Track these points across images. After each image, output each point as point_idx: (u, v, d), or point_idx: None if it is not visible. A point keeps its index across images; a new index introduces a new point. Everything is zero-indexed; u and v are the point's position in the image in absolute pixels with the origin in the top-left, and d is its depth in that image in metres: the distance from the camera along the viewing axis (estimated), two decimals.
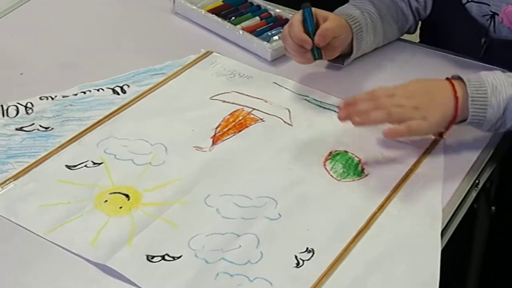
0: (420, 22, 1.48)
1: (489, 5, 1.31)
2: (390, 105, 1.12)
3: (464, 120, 1.15)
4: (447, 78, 1.16)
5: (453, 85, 1.14)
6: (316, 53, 1.24)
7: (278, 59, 1.36)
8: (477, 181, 1.16)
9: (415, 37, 1.51)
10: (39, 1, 1.51)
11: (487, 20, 1.32)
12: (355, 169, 1.14)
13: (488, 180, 1.20)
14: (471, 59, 1.36)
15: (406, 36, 1.44)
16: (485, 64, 1.34)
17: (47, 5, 1.50)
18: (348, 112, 1.13)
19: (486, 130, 1.16)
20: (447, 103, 1.13)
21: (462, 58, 1.37)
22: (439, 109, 1.13)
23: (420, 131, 1.13)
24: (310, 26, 1.23)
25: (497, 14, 1.31)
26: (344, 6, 1.33)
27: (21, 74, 1.33)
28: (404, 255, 1.03)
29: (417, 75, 1.27)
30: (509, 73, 1.16)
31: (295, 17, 1.24)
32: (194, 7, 1.45)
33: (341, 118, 1.14)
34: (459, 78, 1.15)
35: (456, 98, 1.13)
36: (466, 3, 1.34)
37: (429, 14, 1.43)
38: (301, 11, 1.24)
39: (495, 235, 1.40)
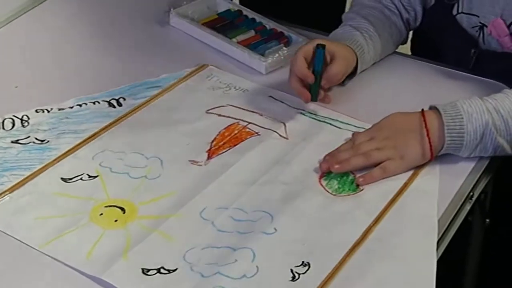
0: (411, 33, 1.49)
1: (478, 16, 1.32)
2: (369, 150, 1.16)
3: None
4: (422, 110, 1.18)
5: (424, 118, 1.17)
6: (314, 94, 1.24)
7: (273, 72, 1.36)
8: (471, 194, 1.16)
9: (406, 47, 1.52)
10: (34, 14, 1.51)
11: (476, 31, 1.34)
12: (350, 184, 1.15)
13: (482, 193, 1.21)
14: (461, 71, 1.37)
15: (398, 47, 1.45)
16: (474, 76, 1.35)
17: (42, 18, 1.50)
18: (330, 163, 1.16)
19: (466, 156, 1.18)
20: (422, 139, 1.16)
21: (453, 70, 1.37)
22: (415, 146, 1.17)
23: (397, 171, 1.16)
24: (318, 66, 1.23)
25: (486, 26, 1.32)
26: (342, 28, 1.33)
27: (16, 87, 1.33)
28: (400, 267, 1.03)
29: (408, 87, 1.30)
30: (487, 98, 1.18)
31: (301, 50, 1.24)
32: (189, 21, 1.46)
33: (323, 170, 1.16)
34: (435, 108, 1.18)
35: (426, 130, 1.16)
36: (457, 14, 1.35)
37: (420, 25, 1.44)
38: (310, 46, 1.23)
39: (489, 247, 1.40)
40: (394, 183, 1.15)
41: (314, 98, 1.24)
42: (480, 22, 1.33)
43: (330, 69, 1.24)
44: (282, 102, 1.30)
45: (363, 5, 1.37)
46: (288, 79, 1.27)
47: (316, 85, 1.23)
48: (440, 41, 1.41)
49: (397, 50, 1.44)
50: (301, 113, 1.28)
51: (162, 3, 1.51)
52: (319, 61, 1.22)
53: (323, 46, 1.23)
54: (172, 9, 1.49)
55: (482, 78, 1.34)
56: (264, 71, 1.36)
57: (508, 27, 1.30)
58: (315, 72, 1.23)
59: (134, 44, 1.44)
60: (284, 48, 1.39)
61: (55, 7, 1.54)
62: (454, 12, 1.36)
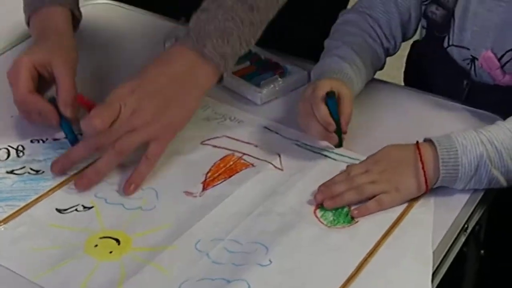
0: (404, 64, 1.50)
1: (469, 49, 1.33)
2: (364, 183, 1.17)
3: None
4: (417, 142, 1.19)
5: (419, 151, 1.17)
6: (341, 140, 1.25)
7: (268, 103, 1.37)
8: (466, 226, 1.17)
9: (400, 78, 1.52)
10: (30, 42, 1.51)
11: (468, 64, 1.35)
12: (345, 216, 1.15)
13: (477, 224, 1.21)
14: (454, 102, 1.37)
15: (390, 78, 1.46)
16: (467, 107, 1.35)
17: None
18: (324, 195, 1.17)
19: (461, 188, 1.19)
20: (417, 172, 1.17)
21: (446, 101, 1.38)
22: (411, 179, 1.17)
23: (392, 204, 1.17)
24: (335, 113, 1.23)
25: (477, 59, 1.33)
26: (330, 58, 1.33)
27: (12, 116, 1.33)
28: None
29: (402, 118, 1.30)
30: (481, 130, 1.19)
31: (318, 97, 1.23)
32: None
33: (318, 201, 1.17)
34: (429, 141, 1.18)
35: (422, 163, 1.16)
36: (448, 47, 1.36)
37: (412, 56, 1.45)
38: (321, 92, 1.23)
39: (484, 278, 1.40)
40: (389, 215, 1.15)
41: (342, 144, 1.25)
42: (471, 55, 1.34)
43: (344, 112, 1.24)
44: (277, 133, 1.30)
45: (346, 32, 1.37)
46: (306, 127, 1.26)
47: (339, 131, 1.23)
48: (433, 73, 1.43)
49: (389, 81, 1.44)
50: (296, 144, 1.28)
51: (158, 34, 1.52)
52: (334, 109, 1.23)
53: (333, 93, 1.23)
54: (167, 40, 1.49)
55: (476, 109, 1.35)
56: (259, 102, 1.36)
57: (499, 60, 1.31)
58: (334, 119, 1.23)
59: (129, 75, 1.44)
60: (279, 79, 1.39)
61: None
62: (445, 44, 1.37)
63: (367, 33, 1.38)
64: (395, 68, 1.52)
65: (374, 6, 1.40)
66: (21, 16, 1.44)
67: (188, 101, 1.22)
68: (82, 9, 1.44)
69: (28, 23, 1.40)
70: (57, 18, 1.36)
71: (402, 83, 1.53)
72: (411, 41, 1.48)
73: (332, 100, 1.23)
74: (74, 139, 1.25)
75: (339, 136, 1.24)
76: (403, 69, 1.55)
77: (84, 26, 1.48)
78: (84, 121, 1.18)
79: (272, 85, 1.38)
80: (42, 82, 1.29)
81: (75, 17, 1.41)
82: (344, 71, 1.30)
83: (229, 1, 1.22)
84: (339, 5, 1.44)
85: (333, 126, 1.22)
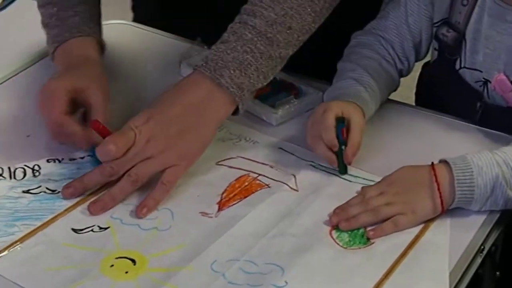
0: (415, 86, 1.50)
1: (481, 71, 1.33)
2: (379, 205, 1.17)
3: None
4: (432, 164, 1.19)
5: (434, 172, 1.17)
6: (344, 166, 1.25)
7: (283, 123, 1.37)
8: (482, 247, 1.16)
9: (411, 99, 1.52)
10: (47, 64, 1.52)
11: (480, 86, 1.34)
12: (361, 237, 1.15)
13: (493, 245, 1.21)
14: (468, 123, 1.37)
15: (402, 98, 1.46)
16: (481, 128, 1.35)
17: (55, 67, 1.51)
18: (340, 217, 1.17)
19: (477, 210, 1.18)
20: (433, 193, 1.17)
21: (459, 122, 1.38)
22: (426, 201, 1.17)
23: (408, 225, 1.17)
24: (341, 140, 1.23)
25: (490, 82, 1.32)
26: (345, 81, 1.33)
27: (28, 136, 1.34)
28: None
29: (415, 139, 1.31)
30: (496, 151, 1.18)
31: (327, 120, 1.24)
32: None
33: (333, 223, 1.17)
34: (445, 162, 1.18)
35: (437, 184, 1.16)
36: (460, 69, 1.36)
37: (424, 78, 1.45)
38: (331, 114, 1.24)
39: None
40: (404, 236, 1.15)
41: (346, 171, 1.25)
42: (484, 78, 1.34)
43: (352, 141, 1.24)
44: (293, 154, 1.30)
45: (361, 55, 1.38)
46: (313, 147, 1.27)
47: (341, 156, 1.24)
48: (445, 94, 1.42)
49: (402, 101, 1.44)
50: (312, 165, 1.28)
51: (174, 54, 1.53)
52: (341, 135, 1.23)
53: (343, 120, 1.24)
54: (183, 60, 1.50)
55: (490, 130, 1.35)
56: (274, 123, 1.36)
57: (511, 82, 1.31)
58: (339, 144, 1.23)
59: (146, 95, 1.44)
60: (294, 99, 1.39)
61: None
62: (457, 66, 1.37)
63: (381, 55, 1.38)
64: (408, 88, 1.52)
65: (387, 28, 1.40)
66: (33, 37, 1.46)
67: (203, 130, 1.23)
68: None
69: (53, 55, 1.41)
70: (87, 48, 1.39)
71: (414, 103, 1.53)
72: (422, 62, 1.48)
73: (340, 126, 1.23)
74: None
75: (342, 163, 1.24)
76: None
77: None
78: (99, 148, 1.19)
79: (287, 106, 1.38)
80: (73, 107, 1.30)
81: (101, 47, 1.43)
82: (359, 94, 1.30)
83: (249, 34, 1.23)
84: (353, 26, 1.44)
85: (336, 148, 1.23)
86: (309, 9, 1.25)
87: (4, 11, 1.72)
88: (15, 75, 1.51)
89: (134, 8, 1.77)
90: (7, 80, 1.49)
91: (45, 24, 1.43)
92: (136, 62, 1.54)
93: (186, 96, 1.22)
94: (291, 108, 1.38)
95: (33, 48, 1.57)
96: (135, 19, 1.72)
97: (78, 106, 1.31)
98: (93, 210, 1.18)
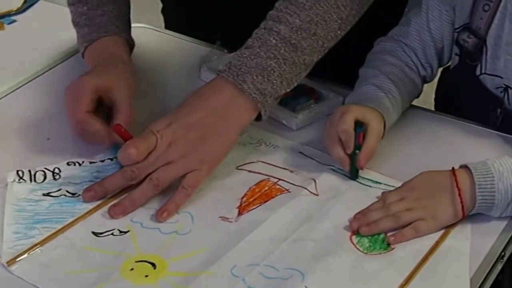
0: (434, 92, 1.50)
1: (502, 77, 1.32)
2: (400, 211, 1.16)
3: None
4: (452, 169, 1.18)
5: (455, 177, 1.17)
6: (355, 171, 1.25)
7: (303, 128, 1.37)
8: (503, 253, 1.16)
9: (430, 104, 1.52)
10: (67, 66, 1.53)
11: (501, 92, 1.34)
12: (382, 243, 1.15)
13: None
14: (488, 128, 1.37)
15: (421, 103, 1.45)
16: (502, 134, 1.35)
17: (75, 70, 1.51)
18: (360, 223, 1.16)
19: (498, 216, 1.18)
20: (454, 199, 1.16)
21: (479, 127, 1.38)
22: (447, 206, 1.17)
23: (429, 231, 1.16)
24: (356, 145, 1.23)
25: (510, 88, 1.32)
26: (367, 87, 1.33)
27: (48, 139, 1.34)
28: None
29: (435, 144, 1.31)
30: None
31: (346, 122, 1.24)
32: None
33: (353, 229, 1.16)
34: (465, 167, 1.18)
35: (458, 190, 1.16)
36: (480, 75, 1.35)
37: (444, 84, 1.44)
38: (350, 116, 1.24)
39: None
40: (425, 242, 1.15)
41: (357, 176, 1.25)
42: (504, 84, 1.33)
43: (367, 146, 1.24)
44: (313, 158, 1.30)
45: (383, 61, 1.37)
46: (330, 149, 1.26)
47: (354, 161, 1.23)
48: (465, 100, 1.42)
49: (423, 106, 1.44)
50: (332, 169, 1.28)
51: (193, 58, 1.53)
52: (357, 140, 1.23)
53: (362, 124, 1.23)
54: (202, 64, 1.50)
55: (510, 136, 1.34)
56: (295, 127, 1.36)
57: None
58: (354, 147, 1.23)
59: (166, 98, 1.45)
60: (314, 104, 1.39)
61: None
62: (477, 72, 1.36)
63: (404, 62, 1.38)
64: (427, 93, 1.51)
65: (409, 35, 1.40)
66: (53, 40, 1.47)
67: (225, 135, 1.23)
68: None
69: (83, 55, 1.42)
70: (117, 47, 1.40)
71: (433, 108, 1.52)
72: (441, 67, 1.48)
73: (358, 130, 1.23)
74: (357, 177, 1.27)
75: (354, 168, 1.24)
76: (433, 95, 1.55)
77: None
78: (120, 151, 1.20)
79: (307, 110, 1.38)
80: (99, 105, 1.31)
81: (130, 46, 1.45)
82: (381, 101, 1.30)
83: (273, 40, 1.23)
84: (374, 32, 1.44)
85: (350, 150, 1.23)
86: (335, 16, 1.25)
87: (24, 14, 1.72)
88: (35, 78, 1.51)
89: (164, 11, 1.77)
90: (27, 83, 1.49)
91: (76, 23, 1.44)
92: (156, 65, 1.54)
93: (208, 101, 1.22)
94: (311, 113, 1.38)
95: (52, 51, 1.58)
96: (166, 25, 1.72)
97: (104, 105, 1.31)
98: (113, 214, 1.18)
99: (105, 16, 1.41)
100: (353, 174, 1.24)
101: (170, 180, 1.20)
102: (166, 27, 1.73)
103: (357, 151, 1.23)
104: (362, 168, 1.24)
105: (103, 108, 1.31)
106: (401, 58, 1.38)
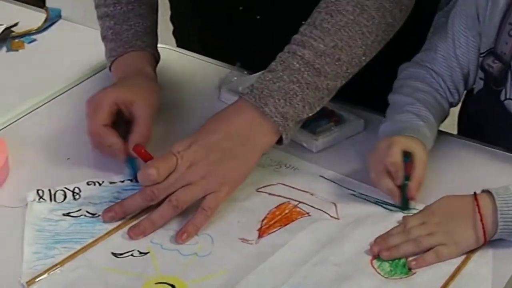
0: (457, 117, 1.49)
1: None
2: (421, 235, 1.16)
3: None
4: (474, 193, 1.18)
5: (477, 203, 1.16)
6: (407, 201, 1.24)
7: (323, 150, 1.36)
8: None
9: (453, 127, 1.51)
10: (87, 85, 1.54)
11: None
12: (402, 267, 1.14)
13: None
14: (510, 153, 1.36)
15: (445, 127, 1.44)
16: None
17: (95, 89, 1.50)
18: (381, 247, 1.16)
19: None
20: (475, 224, 1.15)
21: (503, 152, 1.37)
22: (469, 232, 1.16)
23: (450, 256, 1.15)
24: (405, 174, 1.22)
25: None
26: (405, 115, 1.32)
27: (68, 159, 1.34)
28: None
29: (457, 168, 1.31)
30: None
31: (393, 154, 1.23)
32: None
33: (374, 253, 1.16)
34: (488, 192, 1.17)
35: (480, 215, 1.15)
36: (505, 100, 1.35)
37: (467, 108, 1.43)
38: (397, 149, 1.23)
39: None
40: (446, 267, 1.14)
41: (407, 207, 1.24)
42: None
43: (416, 176, 1.23)
44: (333, 182, 1.30)
45: (414, 88, 1.36)
46: (377, 183, 1.25)
47: (405, 191, 1.23)
48: (488, 125, 1.41)
49: (443, 130, 1.43)
50: (352, 194, 1.27)
51: (214, 79, 1.53)
52: (406, 169, 1.23)
53: (410, 154, 1.23)
54: (222, 85, 1.50)
55: None
56: (315, 150, 1.36)
57: None
58: (404, 178, 1.23)
59: (185, 119, 1.45)
60: (335, 126, 1.39)
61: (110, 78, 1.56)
62: (502, 97, 1.36)
63: (434, 88, 1.37)
64: (449, 117, 1.51)
65: (435, 61, 1.39)
66: (73, 59, 1.47)
67: (245, 157, 1.23)
68: None
69: (110, 68, 1.44)
70: (142, 62, 1.41)
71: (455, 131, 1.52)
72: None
73: (405, 161, 1.22)
74: (135, 177, 1.26)
75: (405, 199, 1.23)
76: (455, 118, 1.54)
77: None
78: (140, 172, 1.20)
79: (327, 133, 1.37)
80: (119, 118, 1.31)
81: (156, 60, 1.45)
82: (420, 129, 1.29)
83: (297, 64, 1.23)
84: (395, 55, 1.43)
85: (399, 181, 1.22)
86: (360, 42, 1.25)
87: (44, 33, 1.73)
88: (55, 97, 1.51)
89: (175, 33, 1.78)
90: (47, 102, 1.50)
91: (103, 37, 1.45)
92: (175, 85, 1.55)
93: (229, 123, 1.22)
94: (331, 136, 1.38)
95: (72, 70, 1.58)
96: (178, 43, 1.73)
97: (124, 118, 1.31)
98: (133, 235, 1.18)
99: (131, 31, 1.42)
100: (404, 205, 1.23)
101: (189, 201, 1.19)
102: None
103: (406, 182, 1.22)
104: (413, 199, 1.23)
105: (124, 121, 1.32)
106: (431, 85, 1.37)
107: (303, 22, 1.29)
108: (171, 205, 1.18)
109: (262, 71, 1.27)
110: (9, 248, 1.16)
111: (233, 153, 1.21)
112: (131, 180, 1.29)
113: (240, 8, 1.61)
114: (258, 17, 1.61)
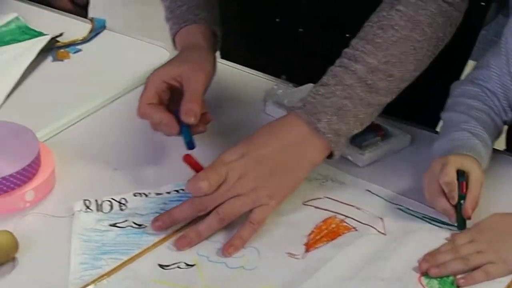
0: (507, 131, 1.48)
1: None
2: (469, 253, 1.15)
3: None
4: None
5: None
6: (463, 221, 1.22)
7: (370, 165, 1.36)
8: None
9: (501, 143, 1.50)
10: (132, 97, 1.53)
11: None
12: (451, 285, 1.13)
13: None
14: None
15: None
16: None
17: None
18: (429, 264, 1.15)
19: None
20: None
21: None
22: None
23: (499, 275, 1.14)
24: (461, 194, 1.22)
25: None
26: (460, 133, 1.31)
27: (115, 169, 1.35)
28: None
29: (506, 186, 1.29)
30: None
31: (448, 174, 1.22)
32: (285, 110, 1.46)
33: (422, 270, 1.15)
34: None
35: None
36: None
37: None
38: (451, 168, 1.22)
39: None
40: (495, 286, 1.13)
41: (464, 227, 1.22)
42: None
43: (472, 195, 1.22)
44: (380, 197, 1.29)
45: (469, 106, 1.35)
46: (432, 202, 1.24)
47: (461, 211, 1.22)
48: None
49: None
50: (400, 209, 1.27)
51: (259, 91, 1.53)
52: (460, 189, 1.22)
53: (464, 173, 1.22)
54: (268, 98, 1.50)
55: None
56: (361, 164, 1.36)
57: None
58: (459, 198, 1.22)
59: (229, 131, 1.45)
60: (381, 141, 1.38)
61: None
62: None
63: (489, 107, 1.36)
64: None
65: (489, 79, 1.37)
66: (118, 69, 1.51)
67: (295, 171, 1.22)
68: None
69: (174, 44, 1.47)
70: (195, 35, 1.42)
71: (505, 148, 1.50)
72: None
73: (461, 180, 1.21)
74: (191, 145, 1.28)
75: (461, 218, 1.21)
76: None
77: None
78: (190, 183, 1.19)
79: (374, 147, 1.37)
80: (177, 94, 1.32)
81: (216, 34, 1.46)
82: (476, 147, 1.28)
83: (349, 79, 1.22)
84: (442, 71, 1.42)
85: (454, 200, 1.21)
86: (411, 58, 1.24)
87: (89, 43, 1.74)
88: (101, 108, 1.52)
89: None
90: (94, 113, 1.50)
91: (165, 19, 1.48)
92: (221, 97, 1.55)
93: (281, 137, 1.22)
94: (378, 150, 1.37)
95: (117, 80, 1.59)
96: (222, 55, 1.73)
97: (179, 93, 1.32)
98: (179, 246, 1.18)
99: (184, 7, 1.43)
100: (460, 224, 1.22)
101: (237, 214, 1.19)
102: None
103: (461, 201, 1.21)
104: (469, 218, 1.21)
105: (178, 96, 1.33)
106: (485, 103, 1.36)
107: (347, 35, 1.29)
108: (218, 217, 1.18)
109: (313, 85, 1.26)
110: (56, 258, 1.16)
111: (284, 167, 1.21)
112: (177, 191, 1.29)
113: (277, 20, 1.61)
114: (300, 29, 1.61)
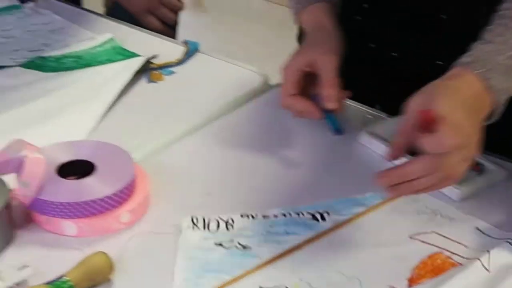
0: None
1: None
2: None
3: None
4: None
5: None
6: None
7: (480, 203, 1.33)
8: None
9: None
10: (227, 120, 1.56)
11: None
12: None
13: None
14: None
15: None
16: None
17: (237, 124, 1.54)
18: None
19: None
20: None
21: None
22: None
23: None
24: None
25: None
26: None
27: (208, 194, 1.35)
28: None
29: None
30: None
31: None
32: (380, 140, 1.45)
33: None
34: None
35: None
36: None
37: None
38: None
39: None
40: None
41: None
42: None
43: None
44: (490, 236, 1.26)
45: None
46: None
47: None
48: None
49: None
50: (509, 243, 1.23)
51: (352, 121, 1.51)
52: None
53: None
54: (361, 127, 1.48)
55: None
56: (456, 198, 1.33)
57: None
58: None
59: (325, 159, 1.45)
60: (478, 176, 1.36)
61: (251, 113, 1.58)
62: None
63: None
64: None
65: None
66: (210, 93, 1.58)
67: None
68: None
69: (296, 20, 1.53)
70: (315, 14, 1.48)
71: None
72: None
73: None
74: (339, 130, 1.34)
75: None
76: None
77: None
78: (432, 139, 1.16)
79: (471, 182, 1.34)
80: (313, 77, 1.39)
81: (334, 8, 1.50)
82: None
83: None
84: None
85: None
86: None
87: (182, 65, 1.75)
88: (196, 130, 1.52)
89: None
90: (187, 134, 1.51)
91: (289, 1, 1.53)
92: (315, 126, 1.51)
93: (461, 95, 1.20)
94: (474, 185, 1.34)
95: (210, 104, 1.59)
96: None
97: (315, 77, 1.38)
98: (390, 191, 1.20)
99: None
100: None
101: (461, 177, 1.20)
102: None
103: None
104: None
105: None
106: None
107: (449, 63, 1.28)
108: (443, 174, 1.17)
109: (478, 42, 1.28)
110: (151, 279, 1.18)
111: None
112: (284, 215, 1.29)
113: (372, 45, 1.60)
114: (394, 53, 1.58)
